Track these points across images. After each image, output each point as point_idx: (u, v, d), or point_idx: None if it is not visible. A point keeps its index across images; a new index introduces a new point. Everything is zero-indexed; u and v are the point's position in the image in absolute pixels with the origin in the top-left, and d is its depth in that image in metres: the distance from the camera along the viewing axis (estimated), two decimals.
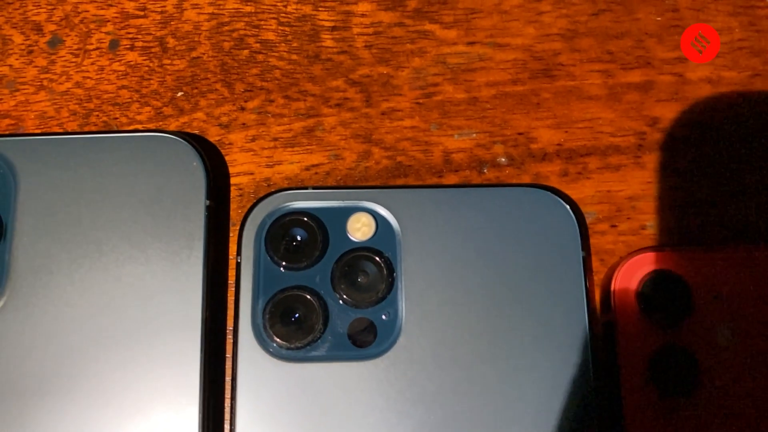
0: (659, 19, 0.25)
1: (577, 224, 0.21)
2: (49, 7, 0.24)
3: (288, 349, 0.20)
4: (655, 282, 0.21)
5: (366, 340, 0.21)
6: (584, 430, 0.19)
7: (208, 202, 0.22)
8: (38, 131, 0.23)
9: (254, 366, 0.20)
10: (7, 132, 0.23)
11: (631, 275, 0.21)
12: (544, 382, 0.20)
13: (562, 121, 0.24)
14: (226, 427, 0.20)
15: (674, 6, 0.25)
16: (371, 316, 0.21)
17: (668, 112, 0.24)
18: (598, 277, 0.22)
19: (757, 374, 0.20)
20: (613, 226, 0.23)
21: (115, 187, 0.22)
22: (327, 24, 0.25)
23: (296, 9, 0.25)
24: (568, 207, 0.21)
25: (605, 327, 0.21)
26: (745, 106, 0.24)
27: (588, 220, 0.23)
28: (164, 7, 0.25)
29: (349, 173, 0.23)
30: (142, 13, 0.25)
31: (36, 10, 0.24)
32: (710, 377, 0.20)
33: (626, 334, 0.20)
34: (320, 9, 0.25)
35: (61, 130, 0.23)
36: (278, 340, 0.20)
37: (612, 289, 0.21)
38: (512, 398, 0.20)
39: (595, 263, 0.22)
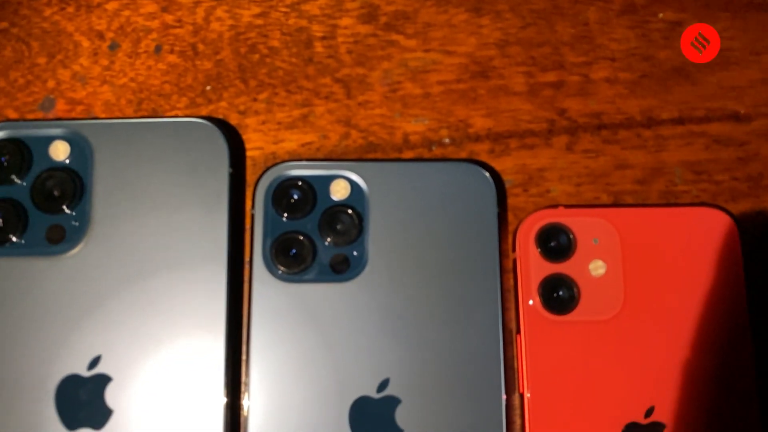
0: (572, 31, 0.32)
1: (495, 189, 0.29)
2: (108, 19, 0.32)
3: (287, 273, 0.28)
4: (548, 230, 0.29)
5: (342, 269, 0.29)
6: (489, 332, 0.28)
7: (230, 169, 0.29)
8: (104, 116, 0.31)
9: (264, 285, 0.28)
10: (81, 116, 0.31)
11: (532, 225, 0.29)
12: (468, 299, 0.28)
13: (492, 111, 0.32)
14: (245, 322, 0.29)
15: (585, 21, 0.33)
16: (346, 252, 0.29)
17: (574, 104, 0.32)
18: (512, 227, 0.30)
19: (623, 297, 0.29)
20: (525, 190, 0.31)
21: (161, 158, 0.29)
22: (318, 34, 0.32)
23: (295, 22, 0.32)
24: (488, 175, 0.29)
25: (513, 262, 0.29)
26: (634, 99, 0.32)
27: (507, 186, 0.31)
28: (195, 20, 0.32)
29: (333, 149, 0.31)
30: (179, 24, 0.32)
31: (98, 21, 0.32)
32: (586, 299, 0.29)
33: (524, 266, 0.29)
34: (313, 23, 0.32)
35: (120, 115, 0.31)
36: (281, 267, 0.29)
37: (518, 234, 0.29)
38: (447, 310, 0.28)
39: (511, 217, 0.30)
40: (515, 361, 0.28)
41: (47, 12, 0.32)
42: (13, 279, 0.28)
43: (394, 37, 0.32)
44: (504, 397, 0.27)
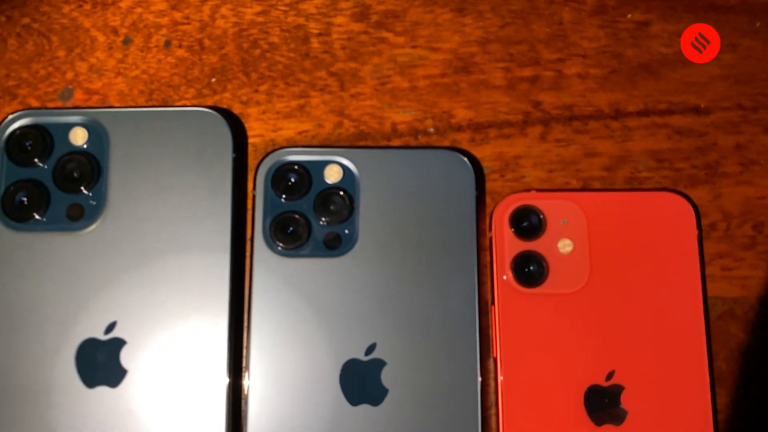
0: (548, 30, 0.35)
1: (474, 174, 0.32)
2: (122, 16, 0.35)
3: (285, 249, 0.31)
4: (521, 212, 0.32)
5: (335, 245, 0.32)
6: (466, 303, 0.31)
7: (233, 155, 0.32)
8: (118, 105, 0.34)
9: (264, 260, 0.31)
10: (98, 105, 0.34)
11: (507, 207, 0.32)
12: (448, 273, 0.31)
13: (473, 103, 0.34)
14: (246, 293, 0.32)
15: (559, 20, 0.35)
16: (338, 230, 0.32)
17: (548, 98, 0.35)
18: (489, 209, 0.33)
19: (588, 273, 0.32)
20: (502, 175, 0.34)
21: (171, 144, 0.32)
22: (315, 31, 0.35)
23: (293, 20, 0.35)
24: (468, 162, 0.32)
25: (489, 240, 0.32)
26: (603, 93, 0.35)
27: (485, 172, 0.34)
28: (202, 17, 0.35)
29: (327, 137, 0.34)
30: (186, 21, 0.35)
31: (113, 18, 0.35)
32: (554, 274, 0.32)
33: (499, 244, 0.32)
34: (310, 21, 0.35)
35: (133, 104, 0.34)
36: (279, 244, 0.31)
37: (494, 215, 0.32)
38: (429, 283, 0.31)
39: (488, 200, 0.33)
40: (490, 329, 0.31)
41: (66, 9, 0.35)
42: (37, 252, 0.31)
43: (384, 34, 0.35)
44: (479, 361, 0.30)
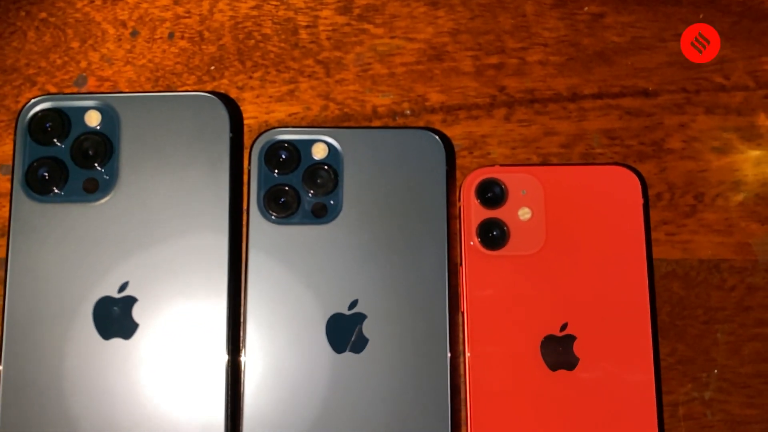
0: (512, 21, 0.39)
1: (445, 151, 0.36)
2: (130, 11, 0.39)
3: (278, 218, 0.35)
4: (486, 184, 0.36)
5: (321, 214, 0.36)
6: (438, 265, 0.35)
7: (230, 134, 0.35)
8: (127, 90, 0.38)
9: (259, 227, 0.35)
10: (109, 90, 0.38)
11: (473, 180, 0.36)
12: (422, 239, 0.35)
13: (445, 88, 0.38)
14: (243, 257, 0.36)
15: (523, 13, 0.39)
16: (324, 201, 0.36)
17: (512, 83, 0.39)
18: (459, 182, 0.37)
19: (545, 237, 0.36)
20: (471, 152, 0.38)
21: (175, 125, 0.36)
22: (303, 24, 0.39)
23: (284, 14, 0.39)
24: (439, 139, 0.36)
25: (458, 209, 0.36)
26: (562, 78, 0.39)
27: (456, 149, 0.38)
28: (201, 11, 0.39)
29: (314, 118, 0.38)
30: (188, 15, 0.39)
31: (122, 12, 0.39)
32: (514, 238, 0.36)
33: (466, 212, 0.36)
34: (299, 14, 0.39)
35: (141, 90, 0.38)
36: (272, 213, 0.35)
37: (462, 187, 0.36)
38: (404, 247, 0.35)
39: (458, 174, 0.37)
40: (458, 287, 0.36)
41: (79, 4, 0.39)
42: (57, 221, 0.35)
43: (365, 26, 0.39)
44: (448, 315, 0.35)
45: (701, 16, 0.39)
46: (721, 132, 0.38)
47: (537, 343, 0.35)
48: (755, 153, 0.38)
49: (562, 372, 0.35)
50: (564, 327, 0.35)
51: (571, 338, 0.35)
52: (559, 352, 0.35)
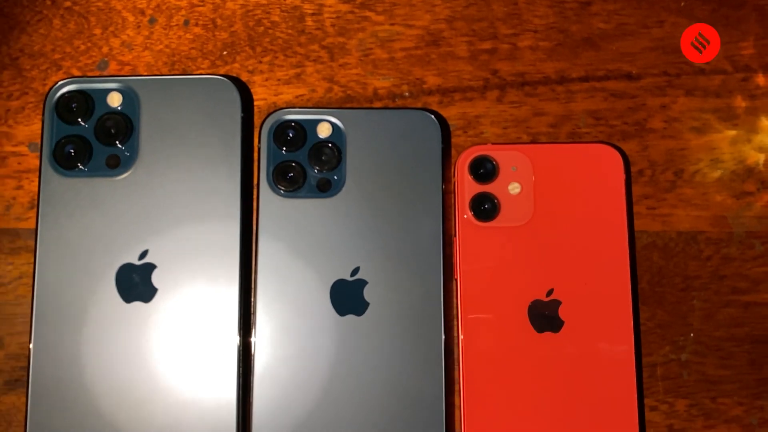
0: (505, 9, 0.42)
1: (441, 131, 0.39)
2: (148, 0, 0.42)
3: (285, 192, 0.38)
4: (478, 160, 0.39)
5: (326, 188, 0.38)
6: (433, 235, 0.38)
7: (242, 114, 0.38)
8: (146, 74, 0.41)
9: (268, 200, 0.38)
10: (129, 74, 0.41)
11: (467, 157, 0.39)
12: (419, 211, 0.38)
13: (442, 72, 0.41)
14: (254, 228, 0.38)
15: (514, 1, 0.42)
16: (328, 176, 0.39)
17: (504, 66, 0.41)
18: (454, 159, 0.40)
19: (533, 210, 0.38)
20: (465, 132, 0.41)
21: (190, 106, 0.39)
22: (309, 11, 0.42)
23: (291, 2, 0.42)
24: (435, 119, 0.39)
25: (453, 184, 0.39)
26: (550, 62, 0.41)
27: (451, 129, 0.41)
28: (215, 0, 0.42)
29: (320, 100, 0.41)
30: (202, 4, 0.42)
31: (140, 1, 0.42)
32: (505, 211, 0.38)
33: (460, 187, 0.38)
34: (305, 3, 0.42)
35: (158, 73, 0.41)
36: (281, 187, 0.38)
37: (456, 164, 0.39)
38: (402, 219, 0.38)
39: (453, 152, 0.40)
40: (453, 257, 0.38)
41: None
42: (82, 194, 0.38)
43: (367, 13, 0.42)
44: (443, 282, 0.37)
45: (683, 4, 0.42)
46: (700, 113, 0.41)
47: (525, 307, 0.38)
48: (732, 133, 0.41)
49: (548, 334, 0.37)
50: (550, 293, 0.38)
51: (557, 303, 0.38)
52: (545, 315, 0.38)
